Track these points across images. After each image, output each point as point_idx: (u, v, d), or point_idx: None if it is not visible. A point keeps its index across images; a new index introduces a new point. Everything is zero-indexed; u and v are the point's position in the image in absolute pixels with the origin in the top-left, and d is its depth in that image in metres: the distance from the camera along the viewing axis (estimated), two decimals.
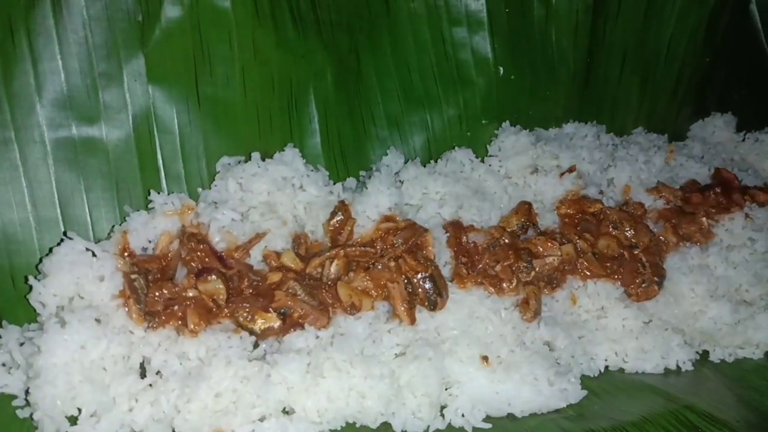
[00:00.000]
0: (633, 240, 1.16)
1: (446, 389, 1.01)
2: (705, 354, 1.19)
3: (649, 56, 1.50)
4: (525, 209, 1.19)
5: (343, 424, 0.96)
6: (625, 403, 1.05)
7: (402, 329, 1.02)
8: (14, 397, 0.94)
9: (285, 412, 0.95)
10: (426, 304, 1.05)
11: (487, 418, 0.99)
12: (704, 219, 1.20)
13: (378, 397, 0.95)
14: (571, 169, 1.23)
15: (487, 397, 1.00)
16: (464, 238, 1.14)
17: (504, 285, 1.09)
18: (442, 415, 0.99)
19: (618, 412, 1.01)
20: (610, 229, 1.17)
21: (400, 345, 1.00)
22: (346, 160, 1.26)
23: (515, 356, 1.03)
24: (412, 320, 1.03)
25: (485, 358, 1.01)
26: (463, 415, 0.99)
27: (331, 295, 1.04)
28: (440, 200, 1.19)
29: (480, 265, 1.11)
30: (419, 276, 1.05)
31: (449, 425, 0.98)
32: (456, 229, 1.15)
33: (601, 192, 1.23)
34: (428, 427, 0.97)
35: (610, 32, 1.44)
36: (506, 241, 1.13)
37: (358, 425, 0.97)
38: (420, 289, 1.05)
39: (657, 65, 1.51)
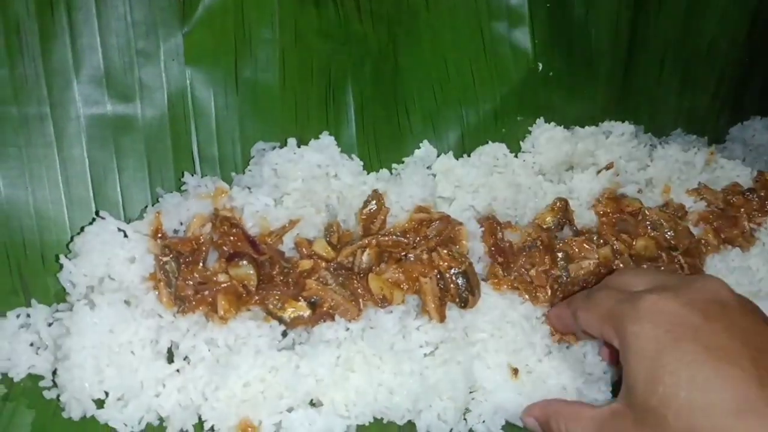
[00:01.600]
0: (672, 242, 1.10)
1: (471, 392, 0.95)
2: None
3: (690, 55, 1.42)
4: (561, 206, 1.12)
5: (371, 420, 0.91)
6: None
7: (431, 326, 0.96)
8: (41, 377, 0.90)
9: (312, 404, 0.90)
10: (457, 300, 0.98)
11: (508, 425, 0.94)
12: (746, 223, 1.13)
13: (407, 394, 0.90)
14: (608, 166, 1.16)
15: (512, 406, 0.94)
16: (500, 235, 1.09)
17: (539, 295, 1.03)
18: (465, 419, 0.94)
19: None
20: (649, 230, 1.10)
21: (429, 344, 0.94)
22: (379, 152, 1.20)
23: (543, 366, 0.97)
24: (442, 317, 0.97)
25: (515, 371, 0.95)
26: (484, 422, 0.94)
27: (362, 286, 0.99)
28: (473, 193, 1.13)
29: (515, 268, 1.05)
30: (452, 271, 0.99)
31: (470, 430, 0.94)
32: (491, 224, 1.09)
33: (639, 191, 1.17)
34: (451, 430, 0.92)
35: (651, 30, 1.36)
36: (543, 241, 1.08)
37: (385, 421, 0.92)
38: (452, 285, 0.99)
39: (698, 65, 1.44)
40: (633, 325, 0.74)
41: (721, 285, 0.77)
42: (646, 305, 0.74)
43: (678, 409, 0.67)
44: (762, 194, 1.18)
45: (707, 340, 0.69)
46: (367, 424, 0.90)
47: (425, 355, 0.94)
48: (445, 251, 1.01)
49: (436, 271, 1.00)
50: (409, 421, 0.92)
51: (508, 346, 0.97)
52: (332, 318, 0.95)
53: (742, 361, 0.67)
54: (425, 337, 0.95)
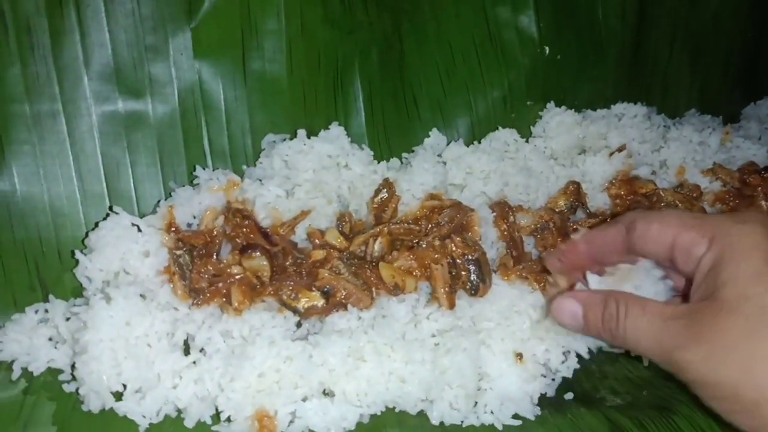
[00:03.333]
0: None
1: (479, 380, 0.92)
2: None
3: (697, 33, 1.37)
4: (574, 189, 1.09)
5: (383, 409, 0.89)
6: (675, 389, 0.96)
7: (440, 314, 0.93)
8: (61, 371, 0.89)
9: (325, 393, 0.88)
10: (468, 287, 0.96)
11: (516, 417, 0.90)
12: (763, 202, 1.09)
13: (418, 383, 0.88)
14: (620, 149, 1.13)
15: (518, 393, 0.91)
16: (511, 218, 1.06)
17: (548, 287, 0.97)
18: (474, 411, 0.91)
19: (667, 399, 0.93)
20: None
21: (439, 332, 0.92)
22: (389, 141, 1.17)
23: (551, 355, 0.94)
24: (452, 305, 0.94)
25: (519, 356, 0.92)
26: (492, 412, 0.90)
27: (375, 275, 0.96)
28: (485, 179, 1.10)
29: (524, 260, 1.02)
30: (466, 258, 0.97)
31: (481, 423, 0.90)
32: (503, 208, 1.06)
33: (653, 173, 1.13)
34: (462, 422, 0.89)
35: (658, 9, 1.32)
36: (555, 224, 1.05)
37: (397, 410, 0.90)
38: (464, 272, 0.96)
39: (706, 42, 1.39)
40: (736, 227, 0.69)
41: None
42: (745, 213, 0.72)
43: None
44: None
45: None
46: (379, 413, 0.88)
47: (436, 344, 0.91)
48: (459, 239, 0.99)
49: (448, 257, 0.97)
50: (422, 413, 0.90)
51: (515, 334, 0.94)
52: (345, 308, 0.93)
53: None
54: (435, 326, 0.93)
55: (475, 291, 0.96)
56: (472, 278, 0.96)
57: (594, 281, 0.86)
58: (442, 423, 0.89)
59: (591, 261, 0.88)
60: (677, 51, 1.37)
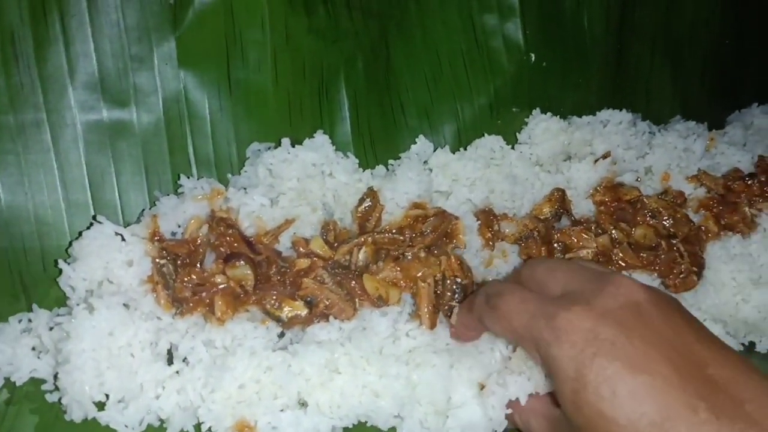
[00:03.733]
0: (672, 229, 1.05)
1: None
2: (751, 345, 1.08)
3: (676, 41, 1.37)
4: (558, 196, 1.08)
5: (355, 422, 0.88)
6: None
7: (420, 332, 0.92)
8: (43, 381, 0.89)
9: (300, 404, 0.87)
10: (446, 308, 0.94)
11: None
12: (747, 209, 1.08)
13: (392, 398, 0.87)
14: (605, 155, 1.12)
15: (480, 422, 0.89)
16: (496, 227, 1.06)
17: None
18: None
19: None
20: (648, 218, 1.06)
21: (418, 348, 0.91)
22: (375, 148, 1.17)
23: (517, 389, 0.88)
24: (433, 324, 0.93)
25: (482, 386, 0.89)
26: None
27: (359, 285, 0.95)
28: (470, 186, 1.09)
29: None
30: (454, 278, 0.95)
31: None
32: (487, 217, 1.06)
33: (638, 179, 1.12)
34: None
35: (639, 17, 1.32)
36: (539, 232, 1.04)
37: (368, 424, 0.89)
38: (448, 292, 0.95)
39: (685, 50, 1.39)
40: (551, 347, 0.70)
41: (633, 286, 0.72)
42: (561, 325, 0.70)
43: (605, 427, 0.64)
44: (763, 179, 1.12)
45: (624, 352, 0.65)
46: (350, 426, 0.88)
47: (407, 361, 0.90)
48: (456, 260, 0.97)
49: (437, 274, 0.96)
50: (393, 429, 0.89)
51: (484, 365, 0.90)
52: (327, 318, 0.92)
53: (661, 368, 0.64)
54: (413, 343, 0.92)
55: (450, 313, 0.94)
56: (452, 302, 0.94)
57: None
58: None
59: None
60: (658, 58, 1.37)
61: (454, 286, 0.95)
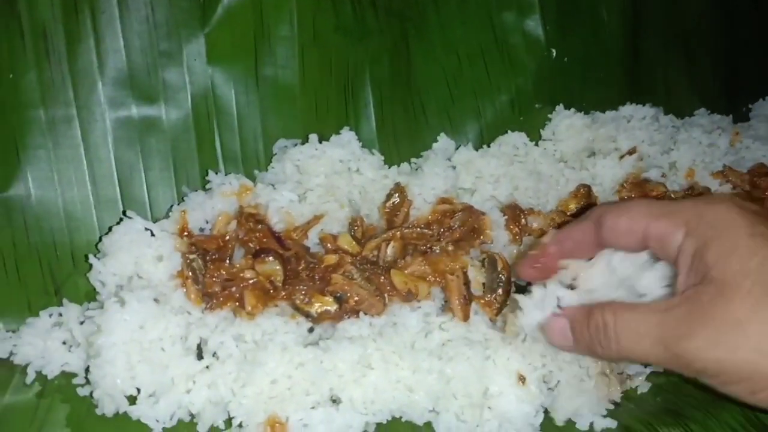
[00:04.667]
0: None
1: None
2: None
3: (688, 33, 1.37)
4: (584, 192, 1.08)
5: (389, 418, 0.87)
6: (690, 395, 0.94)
7: (453, 324, 0.91)
8: (75, 375, 0.88)
9: (333, 400, 0.86)
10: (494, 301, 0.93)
11: None
12: None
13: (426, 392, 0.86)
14: (631, 151, 1.12)
15: (517, 415, 0.87)
16: (523, 221, 1.05)
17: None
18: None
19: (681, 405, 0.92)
20: None
21: (451, 341, 0.89)
22: (398, 146, 1.17)
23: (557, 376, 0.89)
24: (466, 316, 0.92)
25: (522, 378, 0.87)
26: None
27: (388, 281, 0.94)
28: (495, 183, 1.09)
29: None
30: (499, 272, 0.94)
31: None
32: (514, 211, 1.05)
33: (663, 175, 1.12)
34: None
35: (652, 10, 1.32)
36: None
37: (403, 420, 0.88)
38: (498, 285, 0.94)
39: (696, 42, 1.39)
40: (710, 208, 0.67)
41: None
42: (714, 195, 0.70)
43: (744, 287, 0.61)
44: None
45: None
46: (384, 422, 0.87)
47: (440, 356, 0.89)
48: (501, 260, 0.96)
49: (466, 267, 0.95)
50: (428, 423, 0.88)
51: (523, 358, 0.88)
52: (357, 314, 0.91)
53: None
54: (447, 336, 0.90)
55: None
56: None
57: (566, 297, 0.82)
58: None
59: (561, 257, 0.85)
60: (673, 52, 1.36)
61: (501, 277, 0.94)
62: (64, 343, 0.90)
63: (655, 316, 0.68)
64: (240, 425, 0.84)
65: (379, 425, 0.87)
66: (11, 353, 0.90)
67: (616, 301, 0.77)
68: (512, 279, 0.95)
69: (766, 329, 0.61)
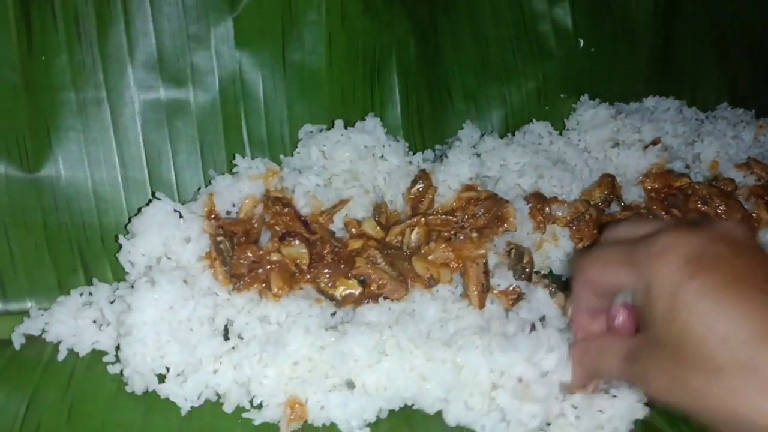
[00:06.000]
0: (724, 216, 1.04)
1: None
2: None
3: (724, 26, 1.36)
4: (608, 181, 1.07)
5: (401, 405, 0.86)
6: None
7: (469, 311, 0.91)
8: (105, 353, 0.89)
9: (347, 385, 0.86)
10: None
11: None
12: None
13: (438, 382, 0.85)
14: (655, 142, 1.11)
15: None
16: (547, 209, 1.05)
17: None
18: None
19: None
20: (699, 205, 1.04)
21: (460, 330, 0.89)
22: (423, 132, 1.16)
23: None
24: (482, 304, 0.92)
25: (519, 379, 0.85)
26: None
27: (411, 266, 0.94)
28: (519, 171, 1.09)
29: None
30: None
31: None
32: (538, 200, 1.05)
33: (687, 167, 1.11)
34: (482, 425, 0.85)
35: (686, 2, 1.31)
36: (591, 215, 1.04)
37: (414, 407, 0.87)
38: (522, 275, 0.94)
39: (731, 35, 1.37)
40: (651, 261, 0.67)
41: (739, 226, 0.71)
42: (664, 240, 0.67)
43: (696, 342, 0.61)
44: None
45: (728, 268, 0.63)
46: (396, 409, 0.86)
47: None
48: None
49: (488, 256, 0.95)
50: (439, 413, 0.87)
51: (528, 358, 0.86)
52: (376, 300, 0.92)
53: (765, 287, 0.61)
54: (462, 324, 0.90)
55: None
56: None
57: None
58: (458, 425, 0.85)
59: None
60: (706, 44, 1.35)
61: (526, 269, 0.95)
62: (94, 321, 0.91)
63: (622, 354, 0.74)
64: (260, 405, 0.84)
65: (391, 412, 0.87)
66: (43, 331, 0.91)
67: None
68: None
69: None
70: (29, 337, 0.91)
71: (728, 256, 0.64)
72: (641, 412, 0.83)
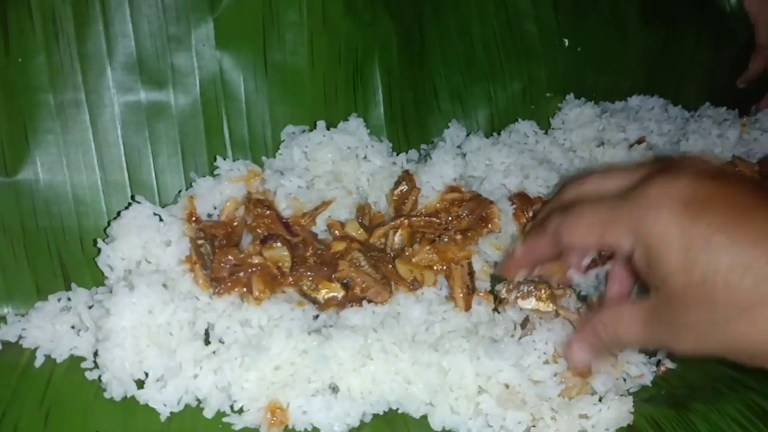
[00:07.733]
0: None
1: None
2: None
3: (711, 24, 1.36)
4: None
5: (386, 409, 0.85)
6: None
7: (454, 314, 0.90)
8: (83, 359, 0.88)
9: (331, 389, 0.85)
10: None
11: None
12: None
13: (424, 385, 0.84)
14: (640, 141, 1.11)
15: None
16: (531, 213, 1.04)
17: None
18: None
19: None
20: None
21: (447, 334, 0.88)
22: (407, 132, 1.16)
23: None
24: (468, 306, 0.91)
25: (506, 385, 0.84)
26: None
27: (395, 269, 0.94)
28: (505, 171, 1.08)
29: None
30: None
31: None
32: (522, 201, 1.05)
33: None
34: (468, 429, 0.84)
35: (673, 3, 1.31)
36: None
37: (400, 411, 0.86)
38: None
39: (715, 37, 1.37)
40: (644, 216, 0.64)
41: (702, 158, 0.70)
42: (649, 191, 0.64)
43: (722, 284, 0.60)
44: None
45: (725, 203, 0.61)
46: (381, 413, 0.86)
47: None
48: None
49: (471, 257, 0.95)
50: (424, 417, 0.86)
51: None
52: (360, 303, 0.90)
53: (765, 215, 0.60)
54: (447, 326, 0.89)
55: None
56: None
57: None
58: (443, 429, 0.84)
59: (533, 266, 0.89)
60: (687, 43, 1.34)
61: None
62: (72, 327, 0.90)
63: (641, 319, 0.71)
64: (241, 410, 0.83)
65: (376, 416, 0.86)
66: (20, 337, 0.90)
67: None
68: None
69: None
70: (6, 343, 0.89)
71: (718, 191, 0.63)
72: (627, 420, 0.82)
